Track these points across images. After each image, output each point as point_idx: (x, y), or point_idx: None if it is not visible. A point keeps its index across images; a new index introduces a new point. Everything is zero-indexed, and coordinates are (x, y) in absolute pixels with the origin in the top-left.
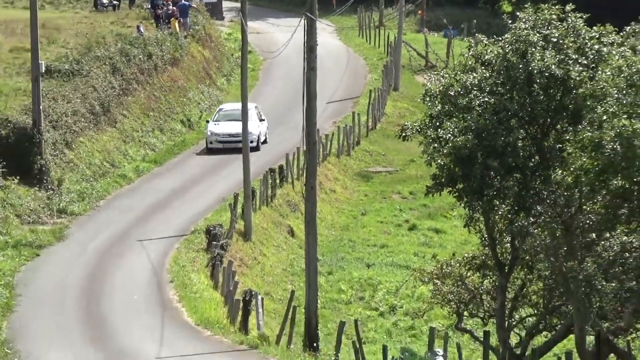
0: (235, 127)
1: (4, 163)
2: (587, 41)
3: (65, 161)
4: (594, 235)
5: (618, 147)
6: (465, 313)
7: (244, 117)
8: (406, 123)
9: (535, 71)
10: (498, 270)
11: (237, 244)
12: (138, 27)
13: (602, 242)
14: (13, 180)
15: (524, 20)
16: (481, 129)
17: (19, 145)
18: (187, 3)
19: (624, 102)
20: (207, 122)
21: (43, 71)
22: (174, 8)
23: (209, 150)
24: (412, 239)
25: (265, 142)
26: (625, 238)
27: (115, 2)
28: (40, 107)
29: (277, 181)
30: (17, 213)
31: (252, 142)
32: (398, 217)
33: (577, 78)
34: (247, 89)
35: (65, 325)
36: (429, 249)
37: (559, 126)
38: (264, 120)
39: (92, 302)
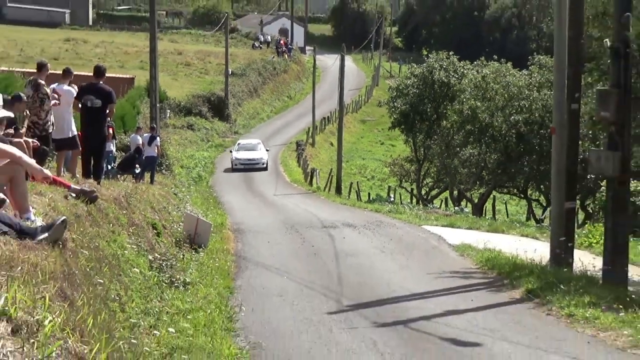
0: (250, 155)
1: (213, 112)
2: (458, 67)
3: (238, 112)
4: (458, 149)
5: (469, 112)
6: (403, 180)
7: (313, 104)
8: (381, 100)
9: (436, 79)
10: (417, 162)
11: (308, 148)
12: (271, 56)
13: (462, 152)
14: (215, 119)
15: (431, 58)
16: (413, 103)
17: (218, 104)
18: (291, 47)
19: (472, 93)
20: (231, 151)
21: (230, 73)
22: (286, 49)
23: (234, 170)
24: (382, 148)
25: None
26: (471, 151)
27: (261, 45)
28: (228, 88)
29: (326, 122)
30: (217, 132)
31: (263, 164)
32: (376, 138)
33: (453, 82)
34: (315, 85)
35: (236, 182)
36: (389, 152)
37: (445, 103)
38: (268, 150)
39: (247, 171)
